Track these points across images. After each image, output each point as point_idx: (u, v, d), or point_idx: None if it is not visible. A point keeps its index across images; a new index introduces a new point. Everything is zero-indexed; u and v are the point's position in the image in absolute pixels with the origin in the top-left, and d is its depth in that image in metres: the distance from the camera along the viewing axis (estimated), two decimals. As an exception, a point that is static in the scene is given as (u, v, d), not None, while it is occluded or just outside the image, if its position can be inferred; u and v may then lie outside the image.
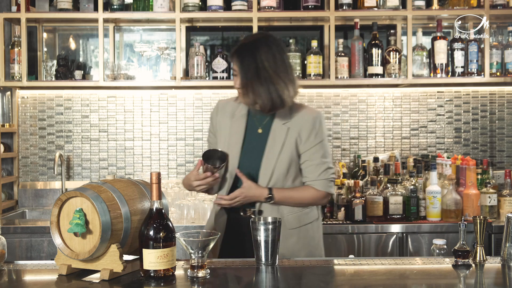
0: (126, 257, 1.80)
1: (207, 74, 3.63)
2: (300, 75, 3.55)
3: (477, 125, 3.87)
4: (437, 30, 3.57)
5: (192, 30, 3.88)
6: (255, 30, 3.44)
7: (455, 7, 3.55)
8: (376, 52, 3.53)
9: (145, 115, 3.81)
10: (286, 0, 3.64)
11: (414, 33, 3.62)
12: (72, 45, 3.96)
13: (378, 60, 3.53)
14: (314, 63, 3.53)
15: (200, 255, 1.69)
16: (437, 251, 2.02)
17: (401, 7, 3.54)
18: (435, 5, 3.55)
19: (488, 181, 3.26)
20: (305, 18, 3.63)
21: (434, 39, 3.56)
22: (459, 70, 3.54)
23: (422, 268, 1.88)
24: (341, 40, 3.61)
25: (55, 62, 3.61)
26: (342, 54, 3.55)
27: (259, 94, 2.18)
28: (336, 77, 3.52)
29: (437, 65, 3.55)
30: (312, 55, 3.53)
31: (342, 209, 3.19)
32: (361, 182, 3.25)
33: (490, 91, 3.85)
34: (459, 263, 1.88)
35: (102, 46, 3.47)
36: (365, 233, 3.11)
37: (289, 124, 2.24)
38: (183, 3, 3.50)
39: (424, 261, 1.95)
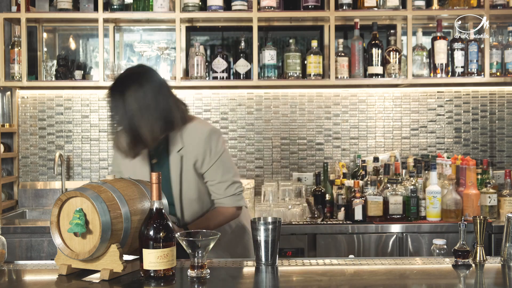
0: (126, 257, 1.80)
1: (207, 74, 3.63)
2: (300, 75, 3.55)
3: (477, 125, 3.87)
4: (437, 30, 3.57)
5: (192, 30, 3.88)
6: (255, 30, 3.44)
7: (455, 7, 3.55)
8: (376, 52, 3.53)
9: (145, 115, 3.80)
10: (286, 0, 3.64)
11: (414, 33, 3.62)
12: (72, 45, 3.96)
13: (378, 60, 3.53)
14: (314, 63, 3.53)
15: (200, 255, 1.69)
16: (437, 251, 2.02)
17: (401, 7, 3.54)
18: (435, 5, 3.55)
19: (488, 181, 3.26)
20: (305, 18, 3.63)
21: (434, 39, 3.56)
22: (459, 70, 3.54)
23: (422, 268, 1.88)
24: (341, 40, 3.61)
25: (55, 62, 3.61)
26: (342, 54, 3.55)
27: (128, 134, 2.10)
28: (336, 77, 3.52)
29: (437, 65, 3.55)
30: (312, 55, 3.53)
31: (342, 209, 3.19)
32: (361, 182, 3.25)
33: (490, 91, 3.86)
34: (459, 263, 1.88)
35: (102, 46, 3.47)
36: (365, 233, 3.11)
37: (183, 152, 2.19)
38: (183, 3, 3.50)
39: (424, 261, 1.95)
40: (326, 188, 3.41)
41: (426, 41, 3.69)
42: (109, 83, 3.45)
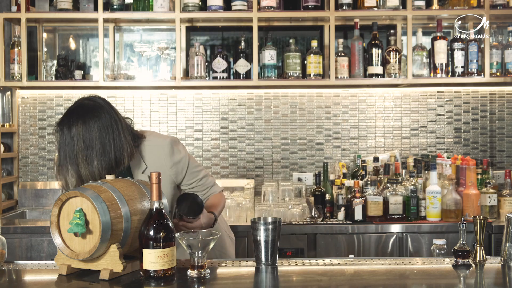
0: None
1: (207, 74, 3.63)
2: (300, 75, 3.55)
3: (477, 125, 3.87)
4: (437, 30, 3.57)
5: (192, 30, 3.88)
6: (255, 30, 3.44)
7: (455, 7, 3.55)
8: (376, 52, 3.53)
9: (145, 115, 3.81)
10: (286, 0, 3.64)
11: (414, 33, 3.62)
12: (72, 45, 3.96)
13: (378, 60, 3.53)
14: (314, 63, 3.53)
15: (200, 255, 1.69)
16: (437, 251, 2.02)
17: (401, 7, 3.54)
18: (435, 5, 3.55)
19: (488, 181, 3.26)
20: (305, 18, 3.63)
21: (434, 39, 3.56)
22: (459, 70, 3.54)
23: (422, 268, 1.88)
24: (341, 40, 3.61)
25: (55, 62, 3.61)
26: (342, 54, 3.55)
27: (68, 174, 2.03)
28: (336, 77, 3.52)
29: (437, 65, 3.55)
30: (312, 55, 3.53)
31: (342, 209, 3.19)
32: (361, 182, 3.25)
33: (490, 91, 3.86)
34: (459, 263, 1.88)
35: (102, 46, 3.47)
36: (365, 233, 3.11)
37: (148, 172, 2.13)
38: (183, 3, 3.50)
39: (424, 261, 1.95)
40: (326, 188, 3.41)
41: (426, 41, 3.69)
42: (109, 83, 3.50)
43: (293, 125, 3.85)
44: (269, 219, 1.86)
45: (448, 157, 3.42)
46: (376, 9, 3.53)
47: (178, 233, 1.72)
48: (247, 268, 1.87)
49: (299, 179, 3.73)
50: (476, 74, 3.54)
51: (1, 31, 3.47)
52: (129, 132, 2.11)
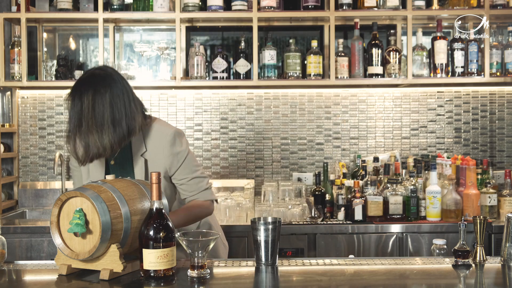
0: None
1: (207, 74, 3.63)
2: (300, 75, 3.55)
3: (477, 125, 3.87)
4: (437, 30, 3.57)
5: (192, 30, 3.88)
6: (255, 30, 3.44)
7: (455, 7, 3.55)
8: (376, 52, 3.53)
9: (145, 115, 3.81)
10: (286, 0, 3.64)
11: (414, 33, 3.62)
12: (72, 45, 3.96)
13: (378, 60, 3.53)
14: (314, 63, 3.53)
15: (200, 255, 1.69)
16: (437, 251, 2.02)
17: (401, 7, 3.54)
18: (435, 5, 3.55)
19: (488, 181, 3.26)
20: (305, 18, 3.63)
21: (434, 39, 3.56)
22: (459, 70, 3.54)
23: (422, 268, 1.88)
24: (341, 40, 3.61)
25: (55, 62, 3.61)
26: (342, 54, 3.55)
27: (85, 142, 2.03)
28: (336, 77, 3.52)
29: (437, 65, 3.55)
30: (312, 55, 3.53)
31: (342, 209, 3.19)
32: (361, 182, 3.25)
33: (490, 91, 3.86)
34: (459, 263, 1.89)
35: (102, 46, 3.47)
36: (365, 233, 3.11)
37: (147, 155, 2.15)
38: (183, 3, 3.50)
39: (424, 261, 1.95)
40: (326, 188, 3.41)
41: (426, 41, 3.69)
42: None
43: (293, 125, 3.85)
44: (269, 219, 1.86)
45: (448, 157, 3.42)
46: (376, 9, 3.53)
47: (178, 233, 1.72)
48: (247, 268, 1.87)
49: (299, 179, 3.73)
50: (476, 74, 3.54)
51: (1, 31, 3.47)
52: (139, 104, 2.12)
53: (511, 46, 3.56)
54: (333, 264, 1.92)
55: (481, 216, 1.91)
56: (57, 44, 3.99)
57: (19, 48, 3.50)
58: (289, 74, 3.54)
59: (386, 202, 3.15)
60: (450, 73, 3.58)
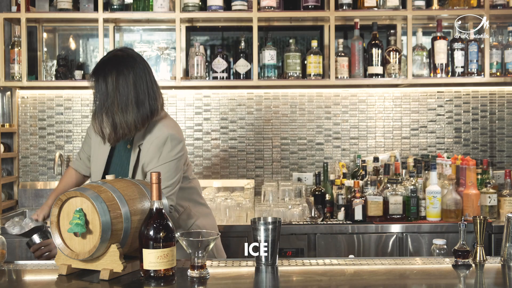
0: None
1: (207, 74, 3.63)
2: (300, 75, 3.55)
3: (477, 125, 3.87)
4: (437, 30, 3.57)
5: (192, 30, 3.88)
6: (255, 30, 3.44)
7: (455, 7, 3.55)
8: (376, 52, 3.53)
9: (145, 115, 3.81)
10: (286, 0, 3.64)
11: (414, 33, 3.62)
12: (72, 45, 3.96)
13: (378, 60, 3.53)
14: (314, 63, 3.53)
15: (200, 255, 1.69)
16: (437, 251, 2.02)
17: (401, 7, 3.54)
18: (435, 5, 3.55)
19: (488, 181, 3.26)
20: (305, 18, 3.63)
21: (434, 39, 3.56)
22: (459, 70, 3.54)
23: (422, 268, 1.88)
24: (341, 40, 3.61)
25: (55, 62, 3.61)
26: (342, 54, 3.55)
27: (108, 122, 2.09)
28: (336, 77, 3.52)
29: (437, 65, 3.55)
30: (312, 55, 3.53)
31: (342, 209, 3.19)
32: (361, 182, 3.25)
33: (490, 91, 3.86)
34: (459, 263, 1.88)
35: (102, 46, 3.47)
36: (365, 233, 3.11)
37: (142, 147, 2.16)
38: (183, 3, 3.50)
39: (424, 261, 1.95)
40: (326, 188, 3.41)
41: (426, 41, 3.69)
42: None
43: (293, 125, 3.85)
44: (269, 219, 1.87)
45: (448, 157, 3.42)
46: (376, 9, 3.53)
47: (178, 233, 1.72)
48: (247, 268, 1.87)
49: (299, 179, 3.73)
50: (476, 74, 3.54)
51: (1, 31, 3.47)
52: (158, 86, 2.18)
53: (511, 46, 3.56)
54: (333, 264, 1.92)
55: (481, 216, 1.91)
56: (57, 44, 3.99)
57: (19, 48, 3.50)
58: (289, 74, 3.54)
59: (386, 202, 3.15)
60: (450, 73, 3.58)
